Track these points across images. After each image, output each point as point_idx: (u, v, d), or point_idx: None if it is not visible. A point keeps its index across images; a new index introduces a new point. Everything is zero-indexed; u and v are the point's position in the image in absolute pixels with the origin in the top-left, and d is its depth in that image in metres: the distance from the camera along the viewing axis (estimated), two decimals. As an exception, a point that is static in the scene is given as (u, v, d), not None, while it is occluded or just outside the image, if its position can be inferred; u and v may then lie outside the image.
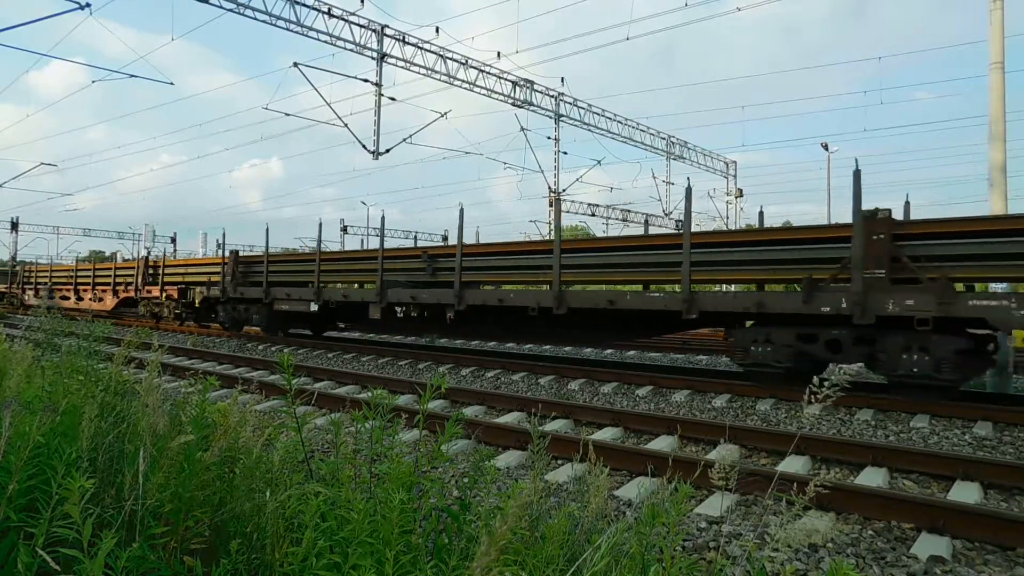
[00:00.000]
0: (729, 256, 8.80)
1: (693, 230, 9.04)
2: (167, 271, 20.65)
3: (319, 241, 14.59)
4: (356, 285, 14.12)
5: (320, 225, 14.46)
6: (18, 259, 42.30)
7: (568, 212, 32.15)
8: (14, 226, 45.72)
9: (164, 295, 19.83)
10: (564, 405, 7.38)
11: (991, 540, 3.76)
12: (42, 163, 42.79)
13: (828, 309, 7.63)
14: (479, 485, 2.25)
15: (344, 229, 41.88)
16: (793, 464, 5.34)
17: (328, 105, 20.91)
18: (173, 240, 49.72)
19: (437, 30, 22.46)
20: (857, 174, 7.49)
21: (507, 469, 5.27)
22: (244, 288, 16.32)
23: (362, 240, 42.20)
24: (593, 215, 34.05)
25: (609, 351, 14.09)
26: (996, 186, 9.92)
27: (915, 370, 7.35)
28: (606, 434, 6.47)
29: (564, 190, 30.48)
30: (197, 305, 18.45)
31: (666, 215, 35.51)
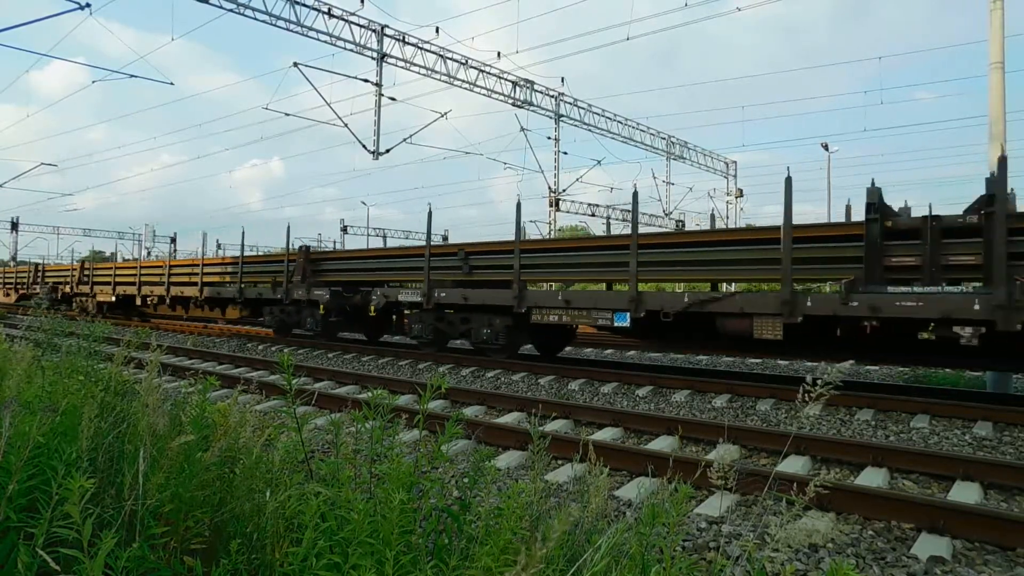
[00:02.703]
0: (260, 269, 17.51)
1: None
2: (47, 274, 28.86)
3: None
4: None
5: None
6: (18, 259, 42.36)
7: (568, 212, 32.14)
8: (14, 226, 45.72)
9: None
10: (564, 405, 7.37)
11: (991, 540, 3.76)
12: (42, 163, 42.80)
13: (280, 297, 15.37)
14: (479, 485, 2.24)
15: (344, 229, 41.92)
16: (793, 464, 5.34)
17: (328, 105, 20.90)
18: (173, 240, 49.68)
19: (437, 30, 22.45)
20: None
21: (507, 469, 5.27)
22: (83, 286, 24.76)
23: (367, 239, 42.34)
24: (593, 215, 33.99)
25: (609, 351, 14.12)
26: (996, 186, 9.90)
27: (308, 326, 14.96)
28: (606, 434, 6.46)
29: (564, 190, 30.48)
30: (59, 298, 25.83)
31: (666, 215, 35.50)
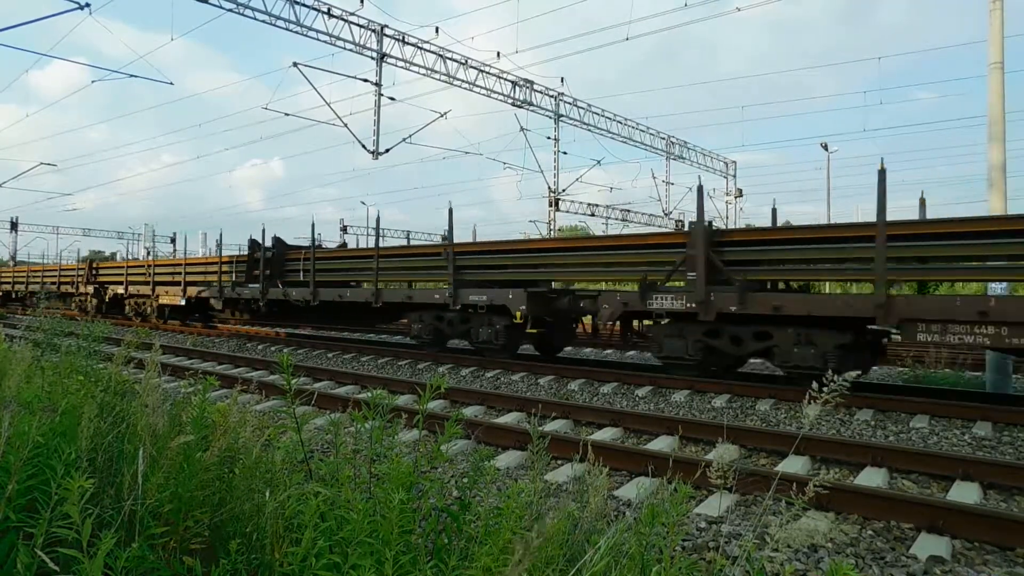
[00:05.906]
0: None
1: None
2: None
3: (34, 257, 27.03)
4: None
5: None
6: (17, 259, 42.43)
7: (568, 212, 32.14)
8: (13, 226, 45.66)
9: None
10: (564, 405, 7.37)
11: (990, 540, 3.76)
12: (42, 163, 42.85)
13: (74, 291, 24.37)
14: (479, 485, 2.24)
15: (344, 229, 41.91)
16: (793, 464, 5.34)
17: (328, 105, 20.89)
18: (173, 240, 49.67)
19: (437, 30, 22.43)
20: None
21: (507, 469, 5.27)
22: None
23: (366, 239, 42.40)
24: (592, 215, 34.00)
25: (608, 351, 14.14)
26: (995, 186, 9.91)
27: (89, 310, 22.42)
28: (606, 434, 6.46)
29: (564, 190, 30.47)
30: None
31: (666, 215, 35.50)
